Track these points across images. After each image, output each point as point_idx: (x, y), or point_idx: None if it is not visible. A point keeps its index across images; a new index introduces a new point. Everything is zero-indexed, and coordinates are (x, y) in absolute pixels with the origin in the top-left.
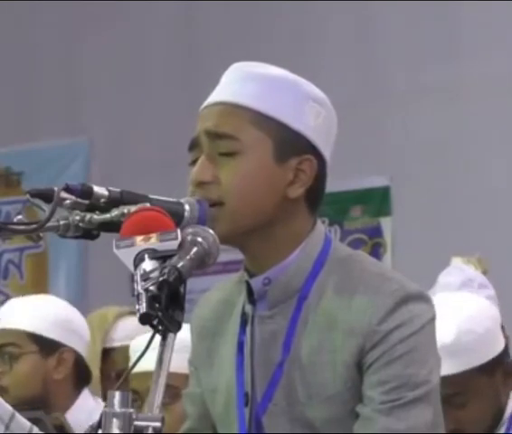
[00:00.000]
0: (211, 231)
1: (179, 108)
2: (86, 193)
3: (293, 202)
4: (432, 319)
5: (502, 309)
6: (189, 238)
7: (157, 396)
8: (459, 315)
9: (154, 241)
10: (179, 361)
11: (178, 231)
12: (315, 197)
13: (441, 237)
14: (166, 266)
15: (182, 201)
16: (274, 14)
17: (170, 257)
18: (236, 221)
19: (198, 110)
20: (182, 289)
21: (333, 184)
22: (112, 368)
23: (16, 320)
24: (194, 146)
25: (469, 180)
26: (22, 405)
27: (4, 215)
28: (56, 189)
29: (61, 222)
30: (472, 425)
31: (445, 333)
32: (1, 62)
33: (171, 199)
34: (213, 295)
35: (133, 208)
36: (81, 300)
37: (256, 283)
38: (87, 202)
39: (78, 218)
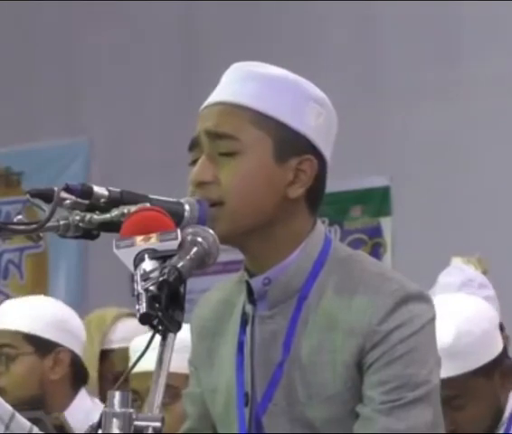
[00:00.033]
0: (211, 231)
1: (179, 108)
2: (86, 193)
3: (293, 203)
4: (433, 319)
5: (502, 309)
6: (189, 238)
7: (157, 396)
8: (458, 317)
9: (154, 241)
10: (179, 361)
11: (178, 231)
12: (315, 197)
13: (441, 237)
14: (166, 266)
15: (182, 201)
16: (274, 14)
17: (170, 257)
18: (236, 221)
19: (198, 110)
20: (182, 289)
21: (333, 184)
22: (110, 370)
23: (12, 321)
24: (194, 146)
25: (469, 180)
26: (19, 406)
27: (4, 215)
28: (56, 189)
29: (61, 222)
30: (471, 426)
31: (443, 335)
32: (1, 62)
33: (171, 199)
34: (213, 295)
35: (133, 208)
36: (81, 300)
37: (256, 283)
38: (87, 202)
39: (78, 218)
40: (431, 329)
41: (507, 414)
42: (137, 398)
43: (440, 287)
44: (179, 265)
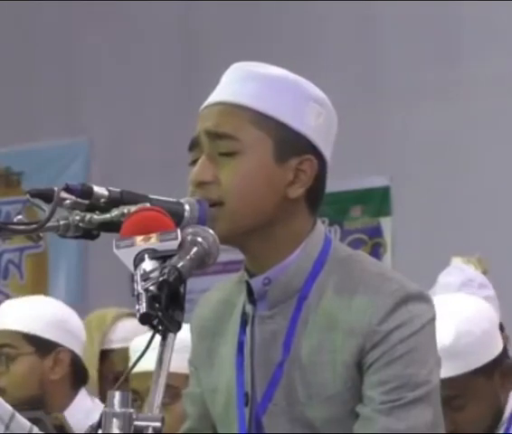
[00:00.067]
0: (211, 231)
1: (179, 108)
2: (86, 193)
3: (293, 203)
4: (433, 319)
5: (502, 309)
6: (189, 238)
7: (157, 396)
8: (458, 317)
9: (154, 241)
10: (179, 361)
11: (178, 231)
12: (315, 197)
13: (441, 237)
14: (166, 266)
15: (182, 201)
16: (274, 14)
17: (170, 257)
18: (236, 221)
19: (198, 110)
20: (182, 289)
21: (333, 184)
22: (110, 370)
23: (12, 321)
24: (194, 146)
25: (469, 180)
26: (19, 406)
27: (4, 215)
28: (56, 189)
29: (61, 222)
30: (471, 426)
31: (443, 335)
32: (1, 62)
33: (171, 199)
34: (213, 295)
35: (133, 208)
36: (81, 300)
37: (256, 283)
38: (87, 202)
39: (78, 218)
40: (431, 329)
41: (507, 414)
42: (137, 398)
43: (440, 287)
44: (179, 265)
